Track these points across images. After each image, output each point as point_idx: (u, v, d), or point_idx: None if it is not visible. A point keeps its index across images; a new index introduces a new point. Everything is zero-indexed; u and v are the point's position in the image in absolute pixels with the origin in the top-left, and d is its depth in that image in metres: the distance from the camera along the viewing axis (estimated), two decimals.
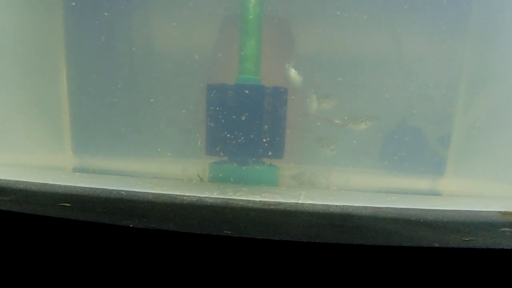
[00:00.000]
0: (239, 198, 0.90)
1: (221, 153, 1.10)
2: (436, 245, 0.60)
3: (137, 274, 0.62)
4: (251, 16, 1.10)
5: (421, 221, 0.78)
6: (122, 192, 0.89)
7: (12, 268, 0.65)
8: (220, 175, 1.09)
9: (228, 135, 1.08)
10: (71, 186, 0.93)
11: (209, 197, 0.90)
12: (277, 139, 1.10)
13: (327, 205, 0.88)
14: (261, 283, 0.60)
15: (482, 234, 0.69)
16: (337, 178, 1.12)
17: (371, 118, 1.13)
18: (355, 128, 1.12)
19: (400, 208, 0.90)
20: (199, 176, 1.08)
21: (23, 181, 0.93)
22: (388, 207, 0.90)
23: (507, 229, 0.74)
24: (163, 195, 0.90)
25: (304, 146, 1.18)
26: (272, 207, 0.84)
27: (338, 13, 1.14)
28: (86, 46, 1.23)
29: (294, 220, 0.74)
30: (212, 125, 1.10)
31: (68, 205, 0.74)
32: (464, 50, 1.19)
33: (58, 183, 0.94)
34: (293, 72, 1.11)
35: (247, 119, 1.08)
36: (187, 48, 1.16)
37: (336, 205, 0.88)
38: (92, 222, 0.63)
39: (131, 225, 0.62)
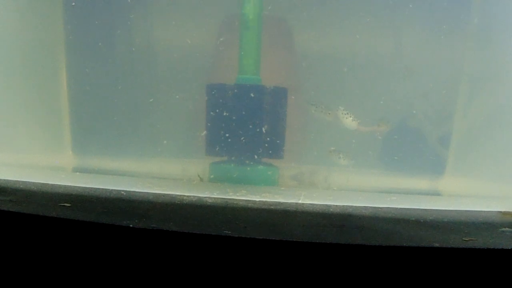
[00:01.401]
0: (239, 198, 0.90)
1: (221, 153, 1.10)
2: (436, 245, 0.60)
3: (137, 274, 0.62)
4: (251, 16, 1.10)
5: (421, 221, 0.78)
6: (122, 192, 0.89)
7: (12, 268, 0.65)
8: (220, 175, 1.09)
9: (228, 135, 1.08)
10: (71, 186, 0.93)
11: (209, 197, 0.89)
12: (277, 139, 1.10)
13: (327, 205, 0.88)
14: (261, 283, 0.60)
15: (482, 234, 0.69)
16: (337, 178, 1.12)
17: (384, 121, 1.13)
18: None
19: (400, 208, 0.90)
20: (199, 176, 1.08)
21: (23, 181, 0.93)
22: (388, 207, 0.90)
23: (507, 229, 0.74)
24: (163, 195, 0.90)
25: (304, 146, 1.18)
26: (272, 207, 0.84)
27: (339, 13, 1.14)
28: (86, 46, 1.23)
29: (294, 220, 0.74)
30: (212, 125, 1.10)
31: (68, 205, 0.74)
32: (464, 50, 1.19)
33: (58, 183, 0.94)
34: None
35: (247, 119, 1.08)
36: (187, 48, 1.16)
37: (336, 205, 0.88)
38: (92, 222, 0.63)
39: (131, 225, 0.62)
